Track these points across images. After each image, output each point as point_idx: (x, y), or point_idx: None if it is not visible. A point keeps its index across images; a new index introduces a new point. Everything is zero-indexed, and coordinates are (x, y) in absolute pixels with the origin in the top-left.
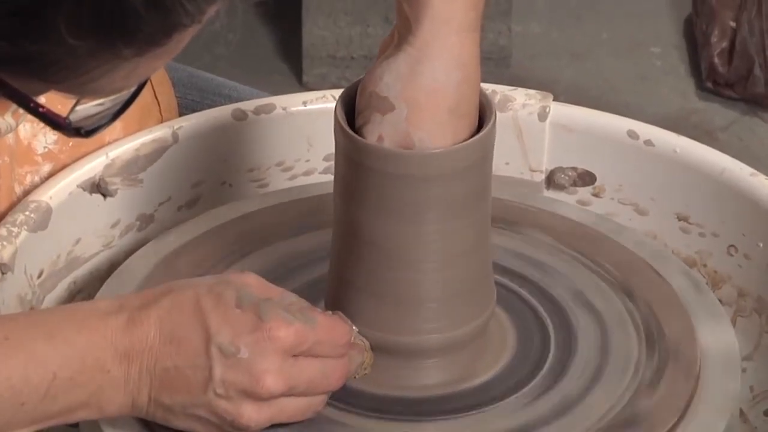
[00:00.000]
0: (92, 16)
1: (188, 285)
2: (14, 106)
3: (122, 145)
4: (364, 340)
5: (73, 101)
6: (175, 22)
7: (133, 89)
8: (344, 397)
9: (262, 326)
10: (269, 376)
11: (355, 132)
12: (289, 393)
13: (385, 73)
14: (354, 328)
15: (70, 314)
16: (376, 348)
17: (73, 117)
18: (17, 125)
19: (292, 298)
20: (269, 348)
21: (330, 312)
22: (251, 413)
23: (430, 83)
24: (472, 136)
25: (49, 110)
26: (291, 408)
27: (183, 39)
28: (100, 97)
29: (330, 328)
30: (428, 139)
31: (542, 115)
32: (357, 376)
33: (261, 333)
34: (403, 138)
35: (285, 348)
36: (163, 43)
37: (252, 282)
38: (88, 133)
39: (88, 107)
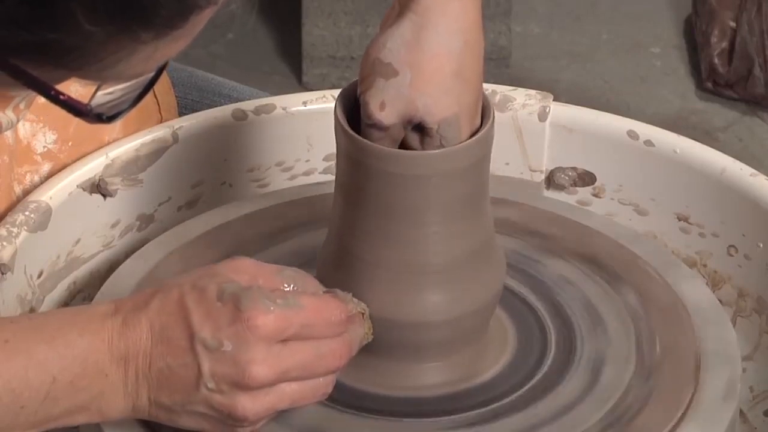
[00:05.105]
0: (108, 1)
1: (174, 284)
2: (15, 102)
3: (122, 145)
4: (365, 307)
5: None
6: (191, 4)
7: (151, 74)
8: (345, 398)
9: (240, 317)
10: (255, 365)
11: (357, 99)
12: (283, 379)
13: (388, 40)
14: (354, 299)
15: (71, 317)
16: (375, 342)
17: (93, 103)
18: (18, 120)
19: (290, 272)
20: (251, 338)
21: (324, 290)
22: (246, 404)
23: (433, 48)
24: (477, 102)
25: (70, 97)
26: (292, 393)
27: (200, 21)
28: (120, 83)
29: (319, 309)
30: (433, 105)
31: (542, 115)
32: (360, 347)
33: (240, 324)
34: (407, 104)
35: (267, 335)
36: (181, 26)
37: (243, 266)
38: (110, 118)
39: (100, 95)
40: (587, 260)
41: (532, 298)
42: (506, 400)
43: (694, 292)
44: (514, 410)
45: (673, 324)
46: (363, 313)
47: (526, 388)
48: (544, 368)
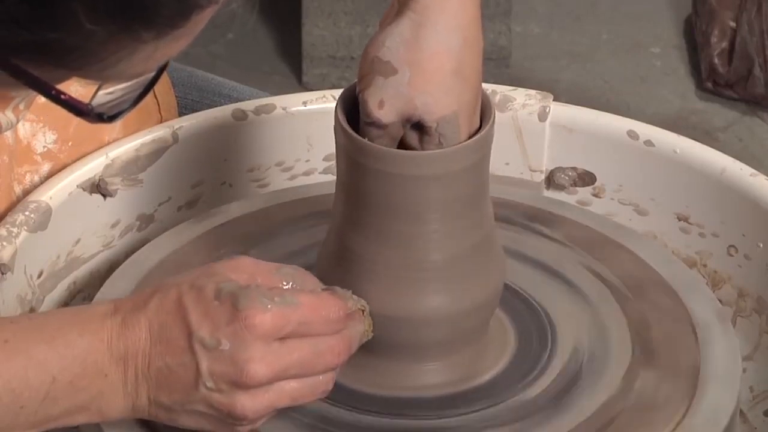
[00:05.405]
0: (109, 1)
1: (173, 283)
2: (14, 102)
3: (122, 145)
4: (365, 304)
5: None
6: (192, 4)
7: (152, 74)
8: (344, 398)
9: (238, 316)
10: (253, 364)
11: (357, 97)
12: (282, 377)
13: (387, 39)
14: (353, 296)
15: (70, 317)
16: (375, 341)
17: (94, 103)
18: (18, 121)
19: (289, 270)
20: (248, 336)
21: (322, 287)
22: (245, 402)
23: (432, 46)
24: (476, 100)
25: (71, 97)
26: (291, 391)
27: (201, 20)
28: (121, 82)
29: (316, 306)
30: (432, 103)
31: (542, 115)
32: (360, 344)
33: (238, 323)
34: (406, 102)
35: (264, 334)
36: (182, 25)
37: (242, 265)
38: (111, 118)
39: (100, 95)
40: (587, 260)
41: (532, 299)
42: (506, 401)
43: (694, 292)
44: (514, 410)
45: (673, 324)
46: (363, 310)
47: (526, 388)
48: (544, 369)
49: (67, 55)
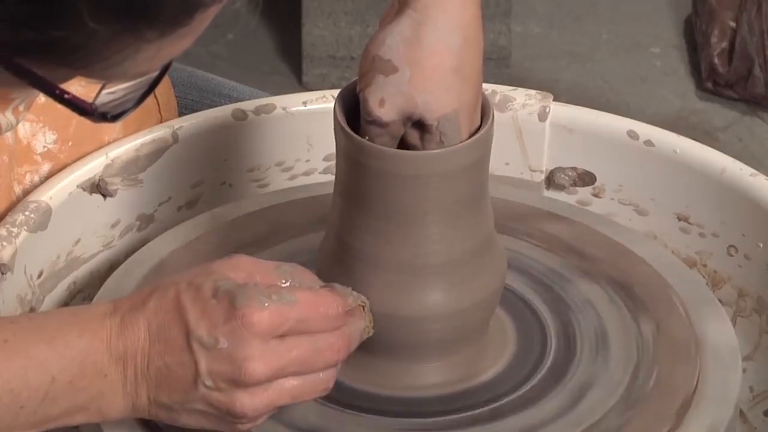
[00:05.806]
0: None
1: (171, 282)
2: (14, 104)
3: (122, 145)
4: (365, 300)
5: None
6: (196, 2)
7: (155, 73)
8: (344, 398)
9: (235, 314)
10: (251, 362)
11: (357, 96)
12: (281, 374)
13: (387, 37)
14: (353, 293)
15: (70, 317)
16: (375, 341)
17: (97, 102)
18: (17, 122)
19: (287, 268)
20: (246, 335)
21: (320, 285)
22: (244, 400)
23: (433, 45)
24: (476, 99)
25: (74, 96)
26: (291, 389)
27: (205, 19)
28: (124, 82)
29: (314, 303)
30: (432, 101)
31: (542, 115)
32: (361, 340)
33: (235, 321)
34: (406, 101)
35: (262, 332)
36: (186, 24)
37: (240, 264)
38: (114, 117)
39: (103, 94)
40: (618, 285)
41: (532, 299)
42: (506, 401)
43: (715, 332)
44: (513, 411)
45: (677, 361)
46: (363, 306)
47: (526, 388)
48: (544, 368)
49: (71, 54)
